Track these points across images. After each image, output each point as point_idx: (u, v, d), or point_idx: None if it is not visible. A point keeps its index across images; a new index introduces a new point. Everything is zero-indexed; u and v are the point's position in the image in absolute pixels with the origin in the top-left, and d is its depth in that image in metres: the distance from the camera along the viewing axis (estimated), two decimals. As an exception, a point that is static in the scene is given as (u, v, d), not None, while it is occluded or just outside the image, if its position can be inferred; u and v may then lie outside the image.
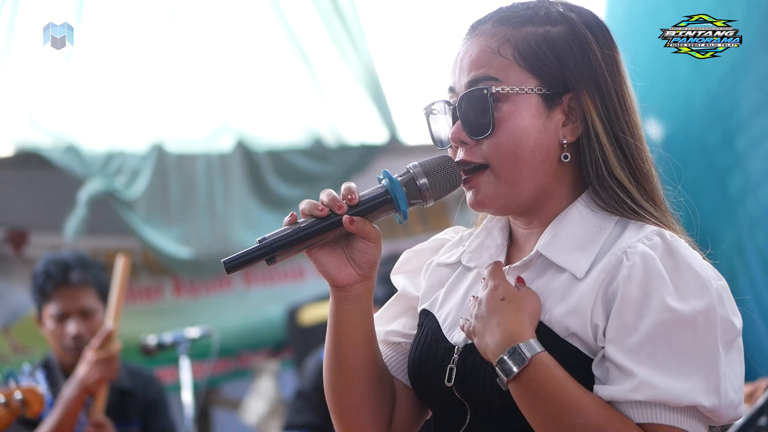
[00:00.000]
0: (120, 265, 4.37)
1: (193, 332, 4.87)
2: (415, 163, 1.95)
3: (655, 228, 1.86)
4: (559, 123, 1.92)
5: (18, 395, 3.81)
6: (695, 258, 1.83)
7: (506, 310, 1.84)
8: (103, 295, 4.46)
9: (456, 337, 1.96)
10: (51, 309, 4.43)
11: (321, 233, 1.91)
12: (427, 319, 2.05)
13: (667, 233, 1.85)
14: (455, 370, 1.93)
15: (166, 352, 4.90)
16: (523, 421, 1.83)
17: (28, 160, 6.56)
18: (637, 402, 1.76)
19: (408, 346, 2.09)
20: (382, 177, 1.95)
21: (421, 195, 1.93)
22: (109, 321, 4.28)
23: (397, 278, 2.18)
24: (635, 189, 1.90)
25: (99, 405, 4.23)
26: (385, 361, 2.10)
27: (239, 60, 7.04)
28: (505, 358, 1.80)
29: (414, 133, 7.40)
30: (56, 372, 4.45)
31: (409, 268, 2.17)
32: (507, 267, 1.96)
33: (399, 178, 1.93)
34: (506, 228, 2.04)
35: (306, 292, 7.20)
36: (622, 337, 1.78)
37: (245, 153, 7.02)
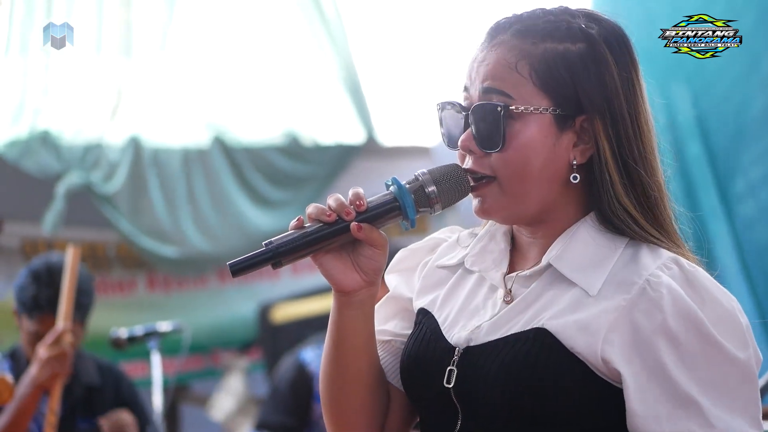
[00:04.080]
0: (70, 257, 4.30)
1: (164, 326, 4.84)
2: (424, 170, 1.93)
3: (671, 255, 1.84)
4: (570, 143, 1.89)
5: (-13, 383, 3.79)
6: (715, 288, 1.82)
7: None
8: (82, 316, 4.43)
9: (456, 338, 1.93)
10: (29, 325, 4.40)
11: (328, 239, 1.88)
12: (425, 318, 2.02)
13: (685, 262, 1.83)
14: (456, 371, 1.90)
15: (136, 346, 4.88)
16: (516, 428, 1.82)
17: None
18: None
19: (398, 344, 2.07)
20: (390, 183, 1.92)
21: (429, 203, 1.91)
22: (61, 321, 4.24)
23: (390, 278, 2.15)
24: (641, 216, 1.88)
25: (54, 402, 4.20)
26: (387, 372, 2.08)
27: (218, 55, 7.03)
28: None
29: (391, 135, 7.40)
30: (22, 363, 4.43)
31: (403, 267, 2.15)
32: (514, 274, 1.95)
33: (407, 186, 1.91)
34: (509, 233, 2.02)
35: (279, 290, 7.20)
36: (670, 370, 1.77)
37: (224, 149, 7.01)
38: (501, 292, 1.94)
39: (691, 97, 5.58)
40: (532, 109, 1.88)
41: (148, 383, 4.86)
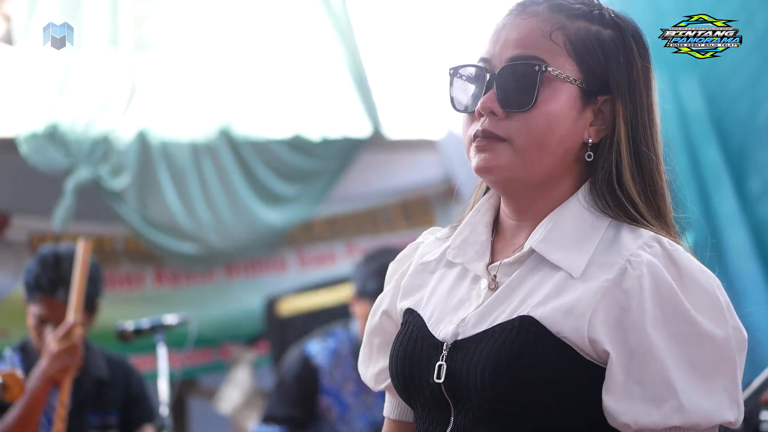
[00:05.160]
0: (80, 250, 4.31)
1: (170, 319, 4.85)
2: None
3: (652, 234, 1.85)
4: (587, 121, 1.92)
5: (-2, 379, 3.80)
6: (695, 266, 1.83)
7: None
8: (89, 306, 4.43)
9: (443, 333, 1.93)
10: (34, 309, 4.42)
11: None
12: (411, 317, 2.02)
13: (666, 240, 1.84)
14: (444, 366, 1.90)
15: (143, 339, 4.89)
16: (509, 422, 1.82)
17: (11, 143, 6.55)
18: (671, 428, 1.76)
19: None
20: None
21: None
22: (71, 313, 4.25)
23: (383, 296, 2.14)
24: (644, 204, 1.90)
25: (64, 395, 4.21)
26: (398, 410, 2.11)
27: (224, 49, 7.03)
28: None
29: (397, 128, 7.40)
30: (32, 356, 4.44)
31: (393, 280, 2.14)
32: (498, 263, 1.94)
33: None
34: (491, 224, 2.02)
35: (286, 283, 7.21)
36: (645, 353, 1.78)
37: (230, 143, 7.02)
38: (485, 282, 1.94)
39: (705, 96, 5.58)
40: (565, 76, 1.90)
41: (154, 376, 4.87)
